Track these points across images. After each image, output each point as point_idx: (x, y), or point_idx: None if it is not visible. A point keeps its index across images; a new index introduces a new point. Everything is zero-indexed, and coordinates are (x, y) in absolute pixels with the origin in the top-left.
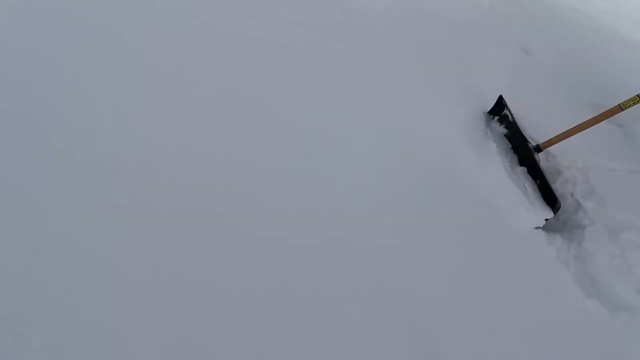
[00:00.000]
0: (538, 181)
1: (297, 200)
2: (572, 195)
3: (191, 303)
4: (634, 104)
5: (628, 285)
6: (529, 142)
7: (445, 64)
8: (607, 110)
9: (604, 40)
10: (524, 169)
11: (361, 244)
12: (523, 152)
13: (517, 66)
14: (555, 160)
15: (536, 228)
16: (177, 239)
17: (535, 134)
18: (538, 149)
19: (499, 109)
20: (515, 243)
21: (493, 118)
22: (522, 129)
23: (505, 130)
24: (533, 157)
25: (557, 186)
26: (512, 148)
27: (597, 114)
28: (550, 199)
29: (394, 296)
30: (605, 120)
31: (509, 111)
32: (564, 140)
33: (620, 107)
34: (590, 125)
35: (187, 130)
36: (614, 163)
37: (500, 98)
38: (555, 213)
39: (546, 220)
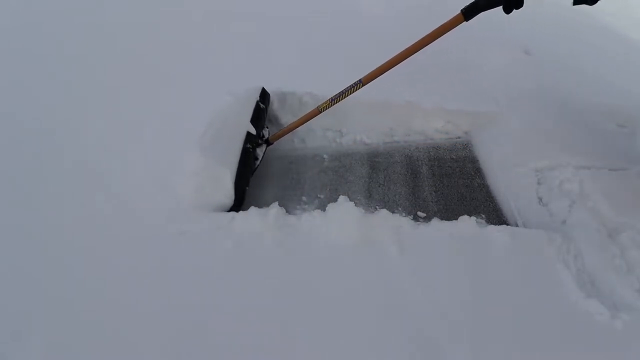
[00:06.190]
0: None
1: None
2: (572, 194)
3: (192, 300)
4: (327, 107)
5: (628, 285)
6: (257, 135)
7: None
8: (309, 112)
9: (604, 40)
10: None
11: None
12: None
13: (517, 66)
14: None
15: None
16: (176, 235)
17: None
18: (268, 142)
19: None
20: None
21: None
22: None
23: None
24: (245, 146)
25: (557, 184)
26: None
27: (303, 114)
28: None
29: (391, 294)
30: (607, 120)
31: (258, 102)
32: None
33: (319, 110)
34: (300, 124)
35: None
36: (614, 163)
37: (262, 90)
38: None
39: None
